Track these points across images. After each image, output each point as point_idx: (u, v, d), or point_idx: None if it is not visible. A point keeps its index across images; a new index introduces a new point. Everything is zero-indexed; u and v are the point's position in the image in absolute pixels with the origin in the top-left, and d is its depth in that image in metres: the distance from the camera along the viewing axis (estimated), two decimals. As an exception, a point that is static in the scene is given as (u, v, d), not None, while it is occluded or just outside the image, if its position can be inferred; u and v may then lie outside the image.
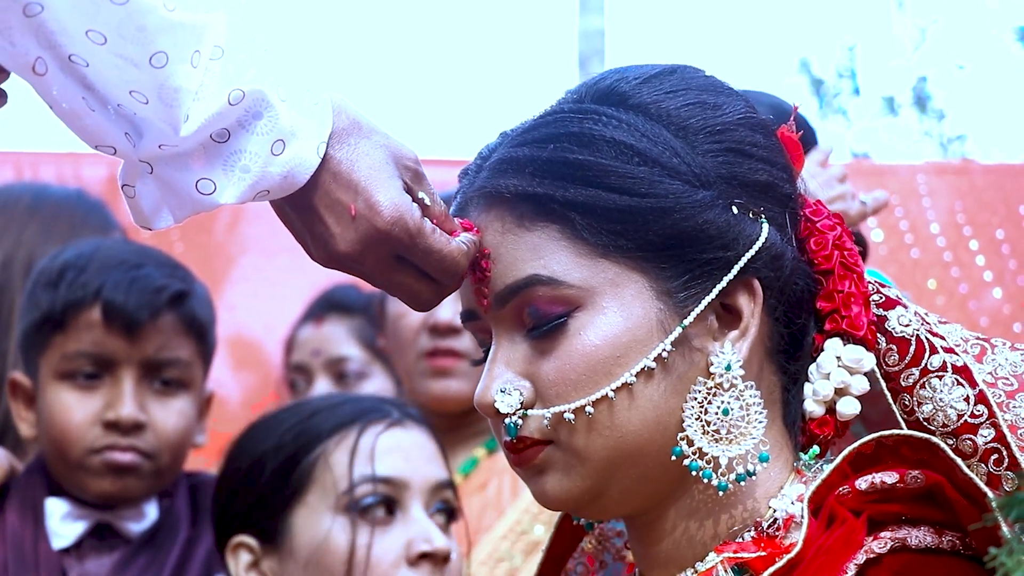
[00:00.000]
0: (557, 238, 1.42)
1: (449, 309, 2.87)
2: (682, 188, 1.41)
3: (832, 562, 1.36)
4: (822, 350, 1.47)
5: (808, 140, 2.88)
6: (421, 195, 1.44)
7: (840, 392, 1.46)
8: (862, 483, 1.40)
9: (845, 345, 1.46)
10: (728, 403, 1.40)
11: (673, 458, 1.41)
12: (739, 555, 1.40)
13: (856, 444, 1.42)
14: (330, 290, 3.88)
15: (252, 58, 1.37)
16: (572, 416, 1.40)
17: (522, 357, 1.44)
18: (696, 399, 1.41)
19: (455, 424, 2.94)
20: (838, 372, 1.46)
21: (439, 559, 2.21)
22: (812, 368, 1.47)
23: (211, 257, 4.20)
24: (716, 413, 1.40)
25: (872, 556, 1.37)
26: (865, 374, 1.46)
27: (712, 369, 1.41)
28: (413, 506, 2.25)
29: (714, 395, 1.41)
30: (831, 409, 1.47)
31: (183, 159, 1.38)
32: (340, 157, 1.40)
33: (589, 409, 1.40)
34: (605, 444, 1.41)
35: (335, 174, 1.40)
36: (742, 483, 1.41)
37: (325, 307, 3.87)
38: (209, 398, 2.59)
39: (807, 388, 1.47)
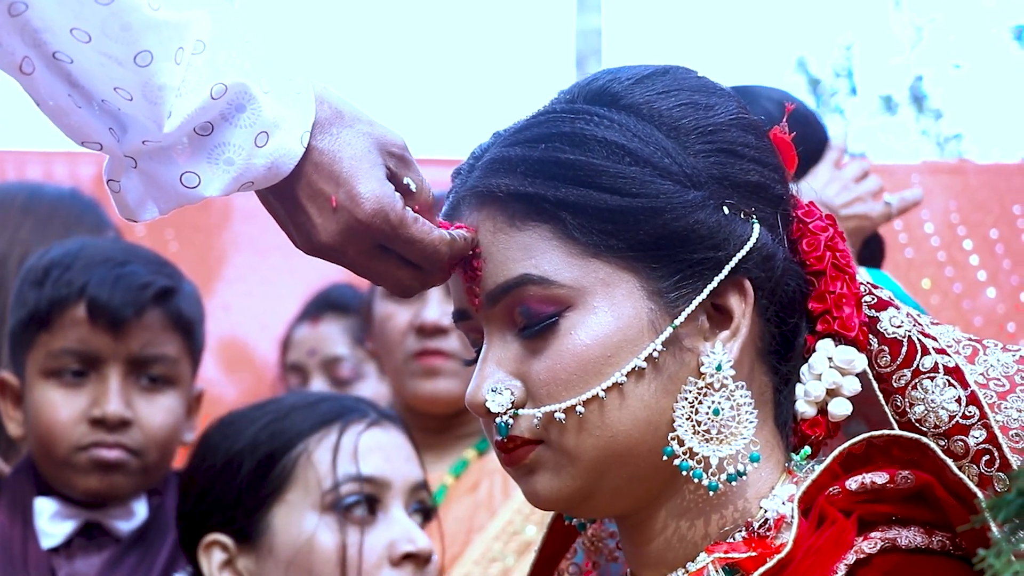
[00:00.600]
0: (548, 238, 1.42)
1: (435, 309, 2.88)
2: (673, 188, 1.41)
3: (822, 562, 1.36)
4: (814, 351, 1.47)
5: (820, 138, 2.86)
6: (407, 181, 1.44)
7: (832, 393, 1.46)
8: (852, 483, 1.40)
9: (837, 346, 1.46)
10: (719, 403, 1.40)
11: (664, 458, 1.41)
12: (730, 555, 1.40)
13: (846, 445, 1.42)
14: (326, 289, 3.88)
15: (234, 51, 1.38)
16: (563, 416, 1.40)
17: (513, 357, 1.44)
18: (687, 399, 1.41)
19: (445, 425, 2.94)
20: (830, 373, 1.46)
21: (422, 559, 2.21)
22: (804, 369, 1.47)
23: (205, 256, 4.19)
24: (707, 413, 1.40)
25: (862, 556, 1.37)
26: (857, 375, 1.46)
27: (703, 369, 1.41)
28: (394, 506, 2.25)
29: (705, 395, 1.41)
30: (823, 410, 1.47)
31: (167, 153, 1.39)
32: (322, 147, 1.40)
33: (580, 409, 1.40)
34: (596, 444, 1.41)
35: (317, 165, 1.40)
36: (733, 483, 1.41)
37: (321, 307, 3.87)
38: (199, 396, 2.59)
39: (799, 389, 1.47)
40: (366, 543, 2.20)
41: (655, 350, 1.40)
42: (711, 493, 1.41)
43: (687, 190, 1.42)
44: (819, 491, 1.40)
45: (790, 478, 1.45)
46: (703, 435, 1.40)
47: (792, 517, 1.38)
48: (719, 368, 1.41)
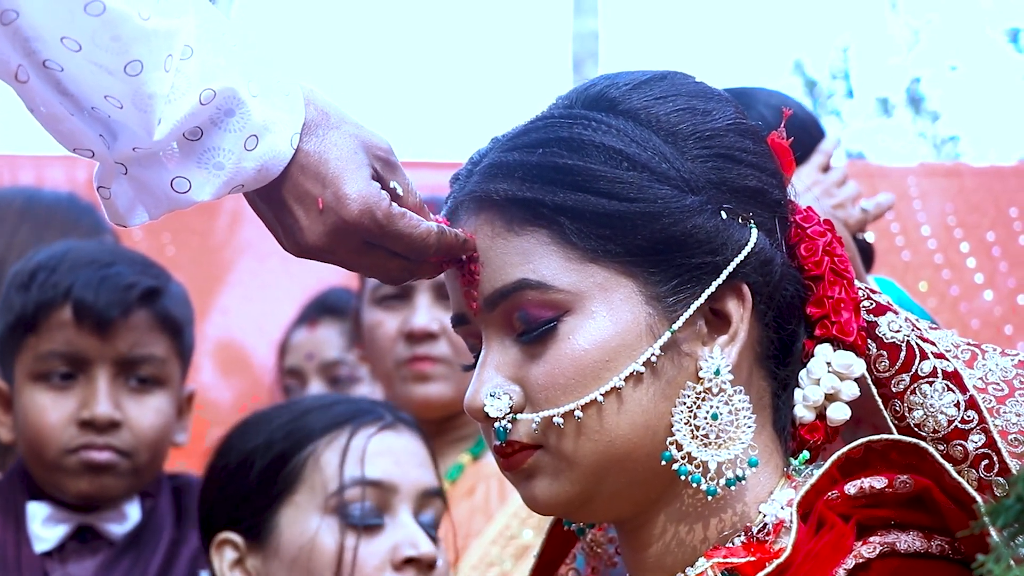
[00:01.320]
0: (546, 242, 1.42)
1: (424, 315, 2.88)
2: (671, 193, 1.42)
3: (821, 567, 1.36)
4: (812, 356, 1.47)
5: (816, 143, 2.85)
6: (393, 185, 1.45)
7: (830, 398, 1.46)
8: (851, 488, 1.40)
9: (835, 351, 1.46)
10: (717, 408, 1.40)
11: (662, 463, 1.41)
12: (729, 560, 1.40)
13: (845, 449, 1.42)
14: (324, 293, 3.89)
15: (222, 55, 1.38)
16: (561, 420, 1.40)
17: (512, 361, 1.44)
18: (685, 404, 1.41)
19: (438, 430, 2.93)
20: (828, 378, 1.46)
21: (424, 565, 2.20)
22: (802, 374, 1.47)
23: (203, 261, 4.19)
24: (705, 418, 1.40)
25: (861, 561, 1.37)
26: (856, 380, 1.46)
27: (701, 374, 1.41)
28: (401, 510, 2.24)
29: (703, 400, 1.41)
30: (821, 415, 1.46)
31: (157, 159, 1.39)
32: (308, 149, 1.41)
33: (578, 414, 1.40)
34: (594, 449, 1.41)
35: (303, 167, 1.41)
36: (731, 488, 1.41)
37: (319, 310, 3.87)
38: (190, 396, 2.58)
39: (797, 394, 1.47)
40: (369, 547, 2.20)
41: (653, 355, 1.40)
42: (710, 498, 1.41)
43: (685, 195, 1.42)
44: (818, 496, 1.40)
45: (789, 483, 1.45)
46: (701, 440, 1.40)
47: (791, 522, 1.38)
48: (717, 373, 1.41)
